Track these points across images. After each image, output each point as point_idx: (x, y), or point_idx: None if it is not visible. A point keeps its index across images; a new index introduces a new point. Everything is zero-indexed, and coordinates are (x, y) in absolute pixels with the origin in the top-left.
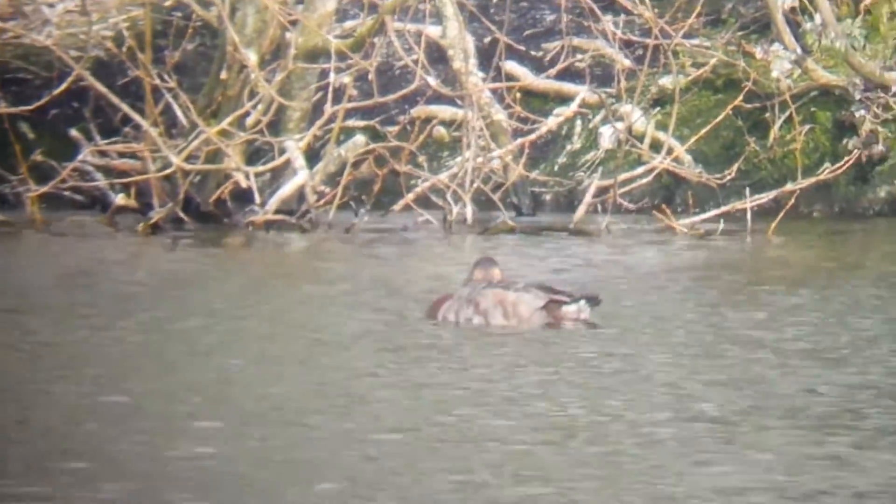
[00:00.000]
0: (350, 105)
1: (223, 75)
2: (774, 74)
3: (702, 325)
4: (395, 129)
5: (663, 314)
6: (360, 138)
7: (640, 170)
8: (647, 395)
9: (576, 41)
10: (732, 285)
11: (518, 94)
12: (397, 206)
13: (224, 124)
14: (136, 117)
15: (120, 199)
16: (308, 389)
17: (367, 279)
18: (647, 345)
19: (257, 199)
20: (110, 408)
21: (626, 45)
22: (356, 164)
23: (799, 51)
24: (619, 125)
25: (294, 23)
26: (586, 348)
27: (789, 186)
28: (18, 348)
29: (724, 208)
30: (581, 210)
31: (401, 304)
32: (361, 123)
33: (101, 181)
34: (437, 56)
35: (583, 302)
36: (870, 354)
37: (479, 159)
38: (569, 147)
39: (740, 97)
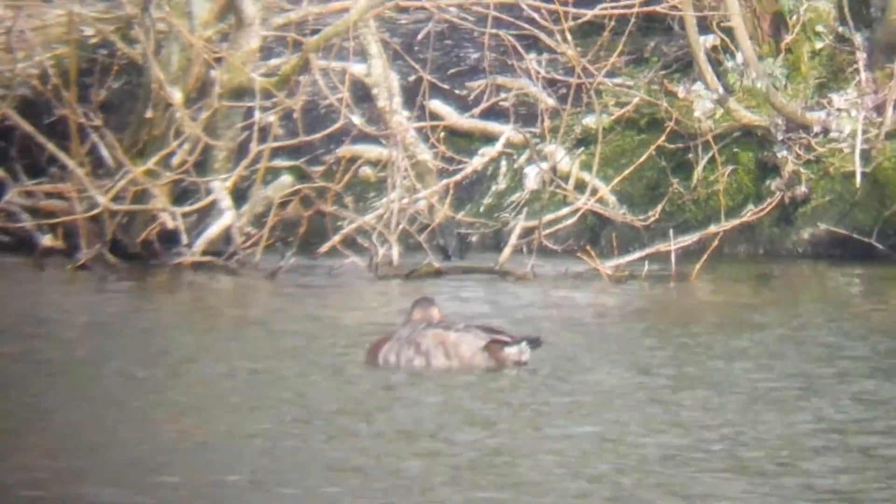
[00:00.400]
0: (276, 144)
1: (149, 114)
2: (697, 114)
3: (627, 368)
4: (320, 169)
5: (589, 357)
6: (286, 178)
7: (564, 210)
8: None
9: (500, 80)
10: (655, 329)
11: (443, 134)
12: (323, 248)
13: (150, 164)
14: (63, 157)
15: (47, 241)
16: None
17: (293, 322)
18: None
19: (184, 239)
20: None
21: (550, 83)
22: (282, 205)
23: (721, 90)
24: (544, 165)
25: (219, 60)
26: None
27: (713, 228)
28: None
29: (648, 250)
30: (507, 252)
31: (326, 346)
32: (287, 163)
33: (28, 222)
34: (363, 94)
35: (524, 343)
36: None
37: (405, 200)
38: (494, 187)
39: (663, 137)
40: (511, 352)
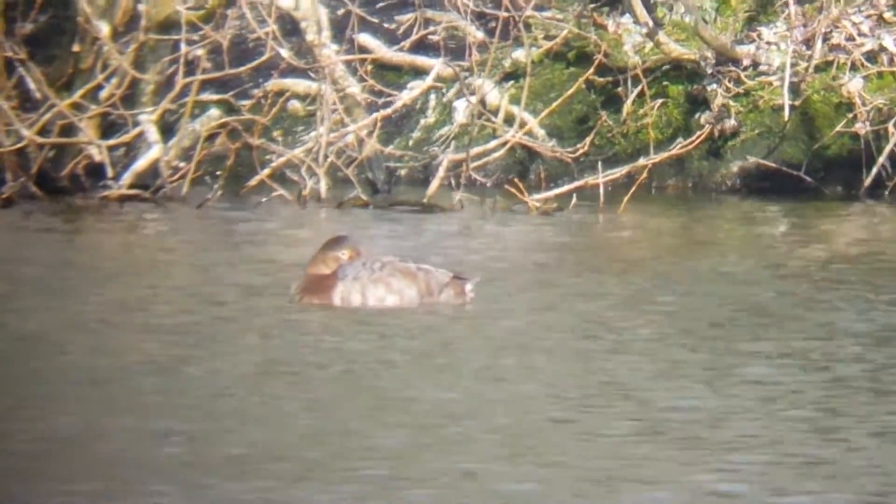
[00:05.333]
0: (203, 77)
1: (75, 47)
2: (626, 48)
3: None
4: (249, 103)
5: (510, 295)
6: (214, 112)
7: (492, 143)
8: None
9: (429, 13)
10: (580, 262)
11: (371, 67)
12: (251, 182)
13: (76, 97)
14: None
15: None
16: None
17: (225, 253)
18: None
19: (109, 173)
20: None
21: (479, 17)
22: (210, 139)
23: (650, 24)
24: (473, 99)
25: None
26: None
27: (641, 161)
28: None
29: (576, 183)
30: (434, 185)
31: (252, 278)
32: (215, 97)
33: None
34: (291, 28)
35: (473, 281)
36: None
37: (333, 134)
38: (423, 121)
39: (592, 70)
40: (468, 287)
